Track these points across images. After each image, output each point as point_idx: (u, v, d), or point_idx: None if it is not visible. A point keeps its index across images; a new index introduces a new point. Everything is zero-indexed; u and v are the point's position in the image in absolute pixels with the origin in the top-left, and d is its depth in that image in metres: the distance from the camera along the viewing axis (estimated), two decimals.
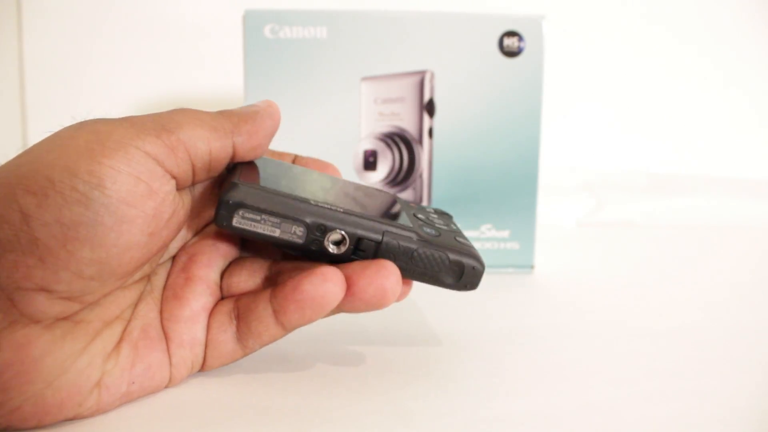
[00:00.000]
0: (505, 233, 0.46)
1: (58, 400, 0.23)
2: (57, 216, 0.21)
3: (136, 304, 0.27)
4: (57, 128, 0.24)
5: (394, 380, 0.29)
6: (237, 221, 0.25)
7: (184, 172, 0.25)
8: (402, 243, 0.27)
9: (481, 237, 0.46)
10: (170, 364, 0.27)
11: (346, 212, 0.26)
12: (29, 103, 0.66)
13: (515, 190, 0.46)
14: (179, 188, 0.26)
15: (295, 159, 0.32)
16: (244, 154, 0.27)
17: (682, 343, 0.33)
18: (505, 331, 0.35)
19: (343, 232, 0.26)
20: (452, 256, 0.28)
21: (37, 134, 0.30)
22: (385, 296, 0.26)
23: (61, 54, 0.65)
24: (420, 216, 0.31)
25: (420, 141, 0.45)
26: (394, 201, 0.32)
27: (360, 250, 0.27)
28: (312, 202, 0.26)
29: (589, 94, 0.70)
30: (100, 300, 0.25)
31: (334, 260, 0.27)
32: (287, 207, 0.25)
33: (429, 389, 0.28)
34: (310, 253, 0.27)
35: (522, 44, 0.44)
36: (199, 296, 0.27)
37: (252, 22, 0.44)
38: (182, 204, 0.26)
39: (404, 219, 0.29)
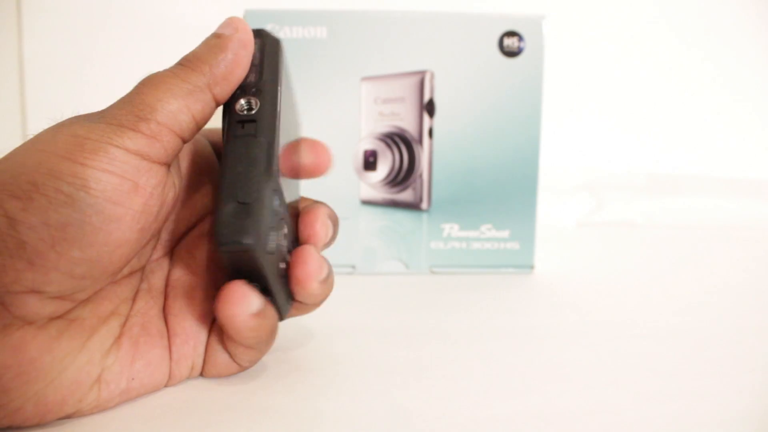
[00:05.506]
0: (505, 233, 0.46)
1: (60, 398, 0.23)
2: (43, 218, 0.21)
3: (133, 300, 0.27)
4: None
5: (393, 380, 0.29)
6: None
7: (174, 150, 0.25)
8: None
9: (481, 237, 0.46)
10: (171, 361, 0.27)
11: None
12: (29, 103, 0.66)
13: (515, 190, 0.46)
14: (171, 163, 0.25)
15: None
16: (225, 96, 0.26)
17: (682, 343, 0.33)
18: (505, 331, 0.35)
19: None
20: None
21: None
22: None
23: (61, 54, 0.65)
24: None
25: (420, 141, 0.45)
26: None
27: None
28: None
29: (589, 94, 0.70)
30: (92, 297, 0.25)
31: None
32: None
33: (429, 389, 0.28)
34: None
35: (522, 44, 0.44)
36: (211, 299, 0.28)
37: (252, 22, 0.44)
38: (172, 185, 0.25)
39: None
